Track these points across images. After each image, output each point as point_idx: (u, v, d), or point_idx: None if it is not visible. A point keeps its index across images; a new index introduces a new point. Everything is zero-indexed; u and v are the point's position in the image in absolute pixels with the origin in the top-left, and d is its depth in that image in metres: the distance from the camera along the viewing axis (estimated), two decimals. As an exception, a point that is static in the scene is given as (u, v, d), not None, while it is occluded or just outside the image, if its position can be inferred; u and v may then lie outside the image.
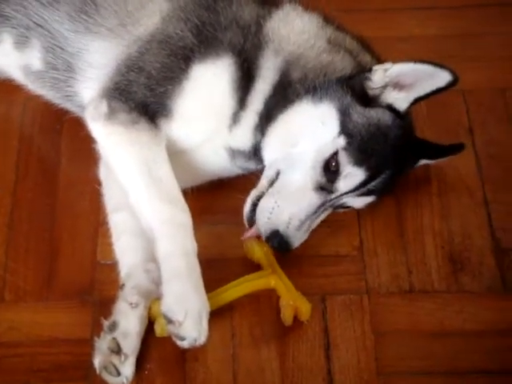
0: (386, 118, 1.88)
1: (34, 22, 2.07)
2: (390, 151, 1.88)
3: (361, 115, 1.86)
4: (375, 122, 1.87)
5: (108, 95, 1.93)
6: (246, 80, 1.94)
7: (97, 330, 1.83)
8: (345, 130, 1.85)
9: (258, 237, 1.91)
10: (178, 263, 1.82)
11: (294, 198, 1.86)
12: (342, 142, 1.84)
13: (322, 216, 1.92)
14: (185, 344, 1.75)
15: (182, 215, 1.86)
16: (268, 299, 1.91)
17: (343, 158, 1.84)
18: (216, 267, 1.94)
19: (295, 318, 1.87)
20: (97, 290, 1.93)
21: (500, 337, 1.88)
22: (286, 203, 1.85)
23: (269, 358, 1.85)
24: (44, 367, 1.83)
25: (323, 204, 1.88)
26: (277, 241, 1.85)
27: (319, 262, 2.00)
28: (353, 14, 2.37)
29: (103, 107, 1.92)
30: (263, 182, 1.91)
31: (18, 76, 2.18)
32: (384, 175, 1.89)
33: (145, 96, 1.92)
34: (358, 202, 1.94)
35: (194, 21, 1.94)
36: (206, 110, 1.95)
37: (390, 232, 2.06)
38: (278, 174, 1.90)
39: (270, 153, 1.93)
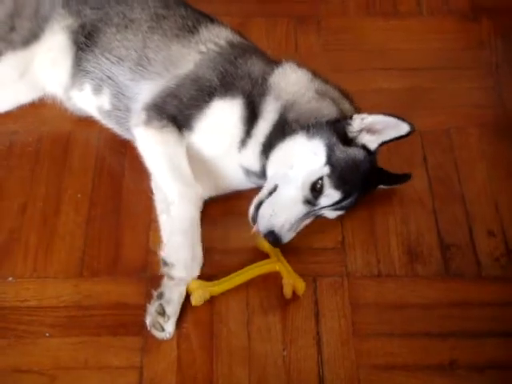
0: (360, 155, 1.91)
1: (106, 75, 2.12)
2: (360, 179, 1.91)
3: (342, 152, 1.89)
4: (352, 158, 1.89)
5: (147, 109, 2.00)
6: (251, 117, 1.97)
7: (149, 298, 1.86)
8: (330, 161, 1.88)
9: None
10: (182, 224, 1.89)
11: (287, 207, 1.88)
12: (326, 170, 1.87)
13: (307, 221, 1.95)
14: (172, 283, 1.84)
15: (191, 193, 1.92)
16: (274, 280, 1.93)
17: (326, 182, 1.88)
18: (235, 254, 1.99)
19: (293, 293, 1.90)
20: (149, 269, 1.95)
21: (443, 308, 1.91)
22: (281, 211, 1.88)
23: (274, 321, 1.87)
24: (111, 324, 1.86)
25: (308, 213, 1.91)
26: (272, 237, 1.88)
27: (312, 252, 2.01)
28: (336, 72, 2.33)
29: (143, 116, 1.99)
30: (264, 191, 1.93)
31: (94, 114, 2.21)
32: (354, 196, 1.93)
33: (174, 113, 1.98)
34: (332, 214, 1.97)
35: (220, 69, 2.00)
36: (219, 130, 1.99)
37: (364, 232, 2.07)
38: (276, 187, 1.92)
39: (271, 170, 1.95)
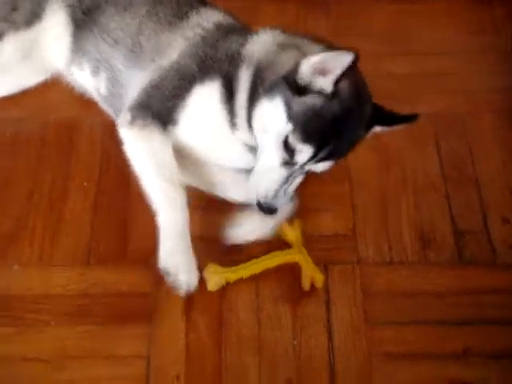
0: (318, 101, 1.76)
1: (103, 57, 2.09)
2: (329, 126, 1.78)
3: (298, 104, 1.77)
4: (310, 107, 1.76)
5: (131, 108, 1.96)
6: (231, 95, 1.91)
7: (156, 285, 1.86)
8: (290, 117, 1.77)
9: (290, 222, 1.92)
10: (170, 228, 1.84)
11: (267, 174, 1.84)
12: (289, 127, 1.78)
13: (297, 180, 1.88)
14: (181, 292, 1.81)
15: (176, 193, 1.87)
16: (286, 269, 1.91)
17: (293, 139, 1.78)
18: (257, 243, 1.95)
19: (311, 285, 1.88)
20: (155, 257, 1.89)
21: (456, 296, 1.90)
22: (263, 179, 1.84)
23: (284, 310, 1.86)
24: (118, 313, 1.84)
25: (291, 174, 1.83)
26: (263, 209, 1.84)
27: (323, 239, 1.99)
28: None
29: (127, 116, 1.95)
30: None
31: (94, 95, 2.19)
32: (331, 145, 1.80)
33: (158, 108, 1.93)
34: (320, 167, 1.85)
35: (200, 54, 1.95)
36: (203, 118, 1.95)
37: (376, 218, 2.04)
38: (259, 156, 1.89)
39: (258, 140, 1.89)
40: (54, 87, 2.26)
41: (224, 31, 2.01)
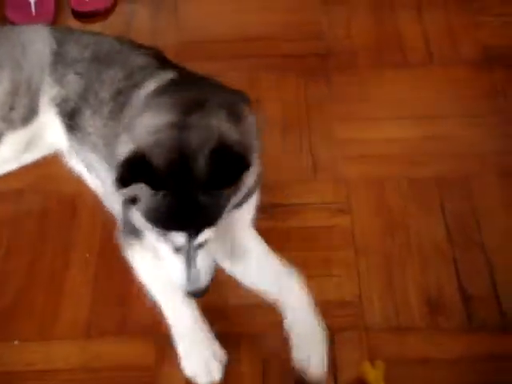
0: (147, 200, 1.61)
1: (88, 162, 2.14)
2: (170, 214, 1.61)
3: (138, 210, 1.67)
4: (146, 207, 1.63)
5: (119, 227, 1.96)
6: None
7: (159, 358, 1.83)
8: (146, 219, 1.66)
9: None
10: (182, 330, 1.81)
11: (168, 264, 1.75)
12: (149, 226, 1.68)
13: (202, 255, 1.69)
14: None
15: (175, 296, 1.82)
16: None
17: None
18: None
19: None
20: (157, 328, 1.88)
21: (468, 363, 1.85)
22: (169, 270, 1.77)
23: None
24: (120, 386, 1.81)
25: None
26: (193, 296, 1.77)
27: (329, 306, 1.93)
28: (346, 122, 2.43)
29: (117, 235, 1.96)
30: None
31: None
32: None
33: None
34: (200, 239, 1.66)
35: None
36: None
37: (382, 283, 2.02)
38: None
39: None
40: (54, 160, 2.28)
41: None
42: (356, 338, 1.90)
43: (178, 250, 1.66)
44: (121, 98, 2.01)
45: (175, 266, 1.69)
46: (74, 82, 2.13)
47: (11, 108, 2.12)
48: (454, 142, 2.39)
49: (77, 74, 2.13)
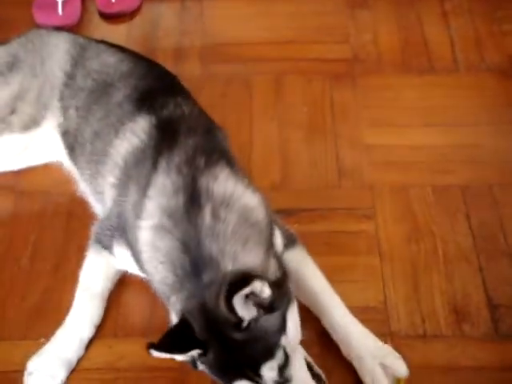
0: None
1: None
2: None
3: None
4: None
5: None
6: None
7: None
8: None
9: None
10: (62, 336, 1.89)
11: None
12: None
13: None
14: None
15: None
16: None
17: None
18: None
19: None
20: None
21: (496, 371, 1.86)
22: None
23: None
24: (146, 387, 1.83)
25: None
26: None
27: (354, 312, 1.91)
28: (374, 128, 2.45)
29: None
30: None
31: None
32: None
33: None
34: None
35: None
36: None
37: (407, 290, 2.03)
38: None
39: None
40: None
41: None
42: (382, 343, 1.90)
43: None
44: (98, 143, 2.03)
45: None
46: (73, 116, 2.14)
47: (13, 111, 2.15)
48: (479, 150, 2.40)
49: (76, 108, 2.14)
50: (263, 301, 1.50)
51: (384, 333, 1.92)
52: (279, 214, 1.99)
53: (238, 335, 1.50)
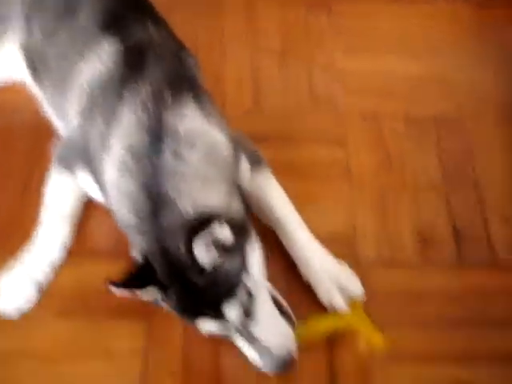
0: None
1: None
2: None
3: None
4: None
5: None
6: None
7: None
8: None
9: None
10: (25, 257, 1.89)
11: None
12: None
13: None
14: None
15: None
16: None
17: None
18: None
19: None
20: None
21: (459, 298, 1.91)
22: None
23: None
24: (113, 307, 1.84)
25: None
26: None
27: (322, 239, 1.92)
28: (348, 53, 2.43)
29: None
30: None
31: None
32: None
33: None
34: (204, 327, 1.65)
35: None
36: None
37: (376, 219, 2.06)
38: None
39: None
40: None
41: None
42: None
43: (234, 336, 1.66)
44: (62, 66, 1.94)
45: (247, 353, 1.67)
46: (37, 37, 2.05)
47: None
48: (453, 81, 2.40)
49: (40, 28, 2.05)
50: (224, 242, 1.51)
51: (351, 259, 1.95)
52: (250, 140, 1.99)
53: (199, 278, 1.52)
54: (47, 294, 1.89)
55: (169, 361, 1.78)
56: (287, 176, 2.02)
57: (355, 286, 1.83)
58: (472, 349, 1.82)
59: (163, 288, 1.54)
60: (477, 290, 1.93)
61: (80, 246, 1.97)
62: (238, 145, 1.78)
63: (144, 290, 1.54)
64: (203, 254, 1.49)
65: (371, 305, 1.86)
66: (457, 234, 2.03)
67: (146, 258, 1.55)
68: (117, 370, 1.78)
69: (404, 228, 2.04)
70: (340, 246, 1.98)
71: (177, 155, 1.59)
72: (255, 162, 1.92)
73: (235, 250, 1.55)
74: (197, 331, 1.67)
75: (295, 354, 1.65)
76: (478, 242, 2.02)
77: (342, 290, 1.83)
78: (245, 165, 1.85)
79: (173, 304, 1.58)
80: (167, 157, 1.58)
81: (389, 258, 1.98)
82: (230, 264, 1.56)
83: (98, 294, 1.85)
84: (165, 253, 1.53)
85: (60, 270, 1.93)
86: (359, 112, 2.29)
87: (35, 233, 1.92)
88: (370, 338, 1.76)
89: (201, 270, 1.51)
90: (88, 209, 2.02)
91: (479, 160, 2.20)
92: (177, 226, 1.51)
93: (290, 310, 1.72)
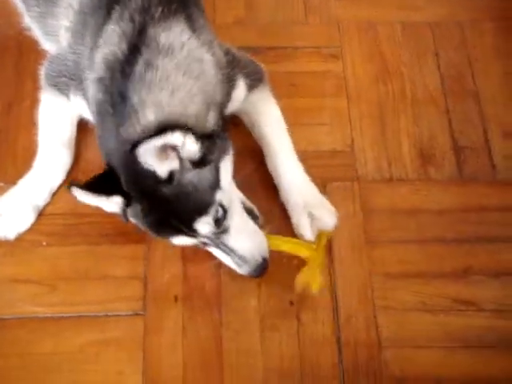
0: None
1: None
2: None
3: None
4: None
5: None
6: None
7: None
8: None
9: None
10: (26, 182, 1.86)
11: None
12: None
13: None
14: None
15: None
16: None
17: None
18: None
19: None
20: None
21: (457, 213, 1.91)
22: None
23: None
24: (110, 232, 1.84)
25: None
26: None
27: (321, 156, 1.96)
28: None
29: None
30: None
31: None
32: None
33: None
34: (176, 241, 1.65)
35: None
36: None
37: (375, 133, 2.03)
38: None
39: None
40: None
41: None
42: (348, 187, 1.94)
43: (211, 248, 1.67)
44: None
45: (225, 261, 1.69)
46: None
47: None
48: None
49: None
50: (189, 154, 1.48)
51: (351, 177, 1.95)
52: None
53: (164, 189, 1.50)
54: (40, 217, 1.87)
55: (170, 285, 1.79)
56: (281, 92, 1.97)
57: (328, 219, 1.82)
58: (472, 266, 1.84)
59: (125, 197, 1.53)
60: (476, 206, 1.93)
61: (75, 169, 1.94)
62: (237, 63, 1.74)
63: (108, 198, 1.53)
64: (157, 161, 1.46)
65: (370, 221, 1.87)
66: (456, 147, 2.02)
67: (109, 169, 1.54)
68: (117, 293, 1.79)
69: (403, 143, 2.03)
70: (339, 164, 1.98)
71: (149, 64, 1.53)
72: (255, 81, 1.88)
73: (204, 163, 1.52)
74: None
75: (268, 258, 1.68)
76: (478, 157, 2.01)
77: (315, 221, 1.81)
78: (241, 83, 1.80)
79: (140, 217, 1.56)
80: (139, 66, 1.53)
81: (388, 176, 1.97)
82: (200, 177, 1.53)
83: (93, 218, 1.84)
84: (125, 163, 1.50)
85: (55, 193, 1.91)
86: (354, 21, 2.24)
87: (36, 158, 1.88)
88: (310, 277, 1.73)
89: (161, 181, 1.48)
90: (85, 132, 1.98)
91: (478, 70, 2.17)
92: (136, 133, 1.48)
93: (255, 208, 1.75)
